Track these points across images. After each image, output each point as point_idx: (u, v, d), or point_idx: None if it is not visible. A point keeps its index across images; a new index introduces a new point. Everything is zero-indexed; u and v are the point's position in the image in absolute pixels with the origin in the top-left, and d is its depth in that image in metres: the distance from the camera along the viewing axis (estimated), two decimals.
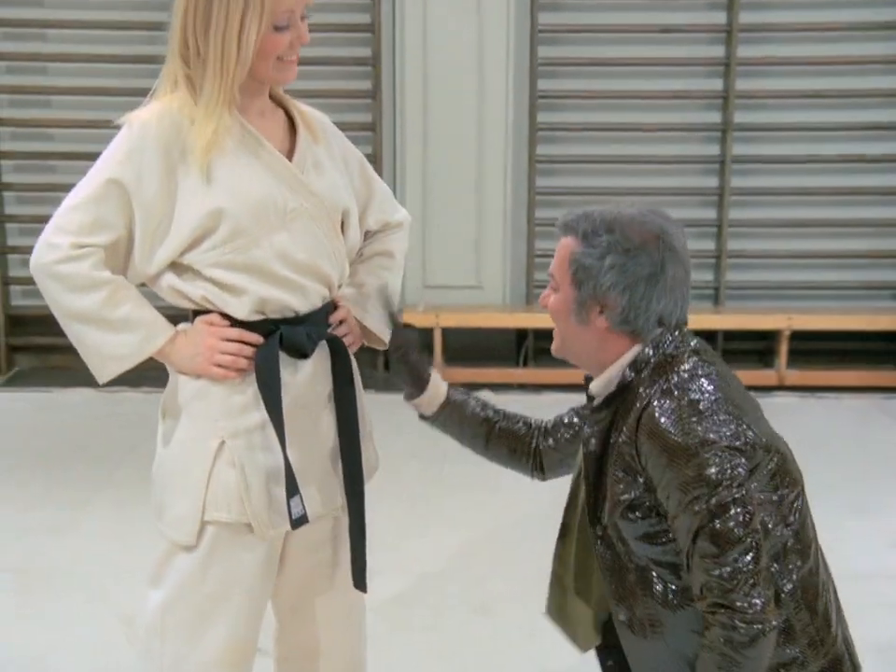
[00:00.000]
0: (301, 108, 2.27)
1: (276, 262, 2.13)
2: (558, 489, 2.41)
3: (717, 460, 1.93)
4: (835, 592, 2.17)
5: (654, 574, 2.07)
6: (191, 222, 2.08)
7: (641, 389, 2.06)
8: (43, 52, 5.98)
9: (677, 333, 2.10)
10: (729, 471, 1.93)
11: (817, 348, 5.85)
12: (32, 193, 6.07)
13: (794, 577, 2.05)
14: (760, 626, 1.91)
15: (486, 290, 6.06)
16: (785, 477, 2.04)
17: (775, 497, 2.02)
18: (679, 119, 5.98)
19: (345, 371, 2.29)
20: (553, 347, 2.23)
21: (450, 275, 6.02)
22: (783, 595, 2.03)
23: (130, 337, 2.13)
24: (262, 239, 2.11)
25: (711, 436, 1.94)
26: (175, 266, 2.14)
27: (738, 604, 1.92)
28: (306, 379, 2.23)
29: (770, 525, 2.00)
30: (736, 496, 1.92)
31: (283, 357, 2.19)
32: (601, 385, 2.15)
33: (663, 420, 1.97)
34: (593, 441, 2.15)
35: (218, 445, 2.17)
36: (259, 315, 2.16)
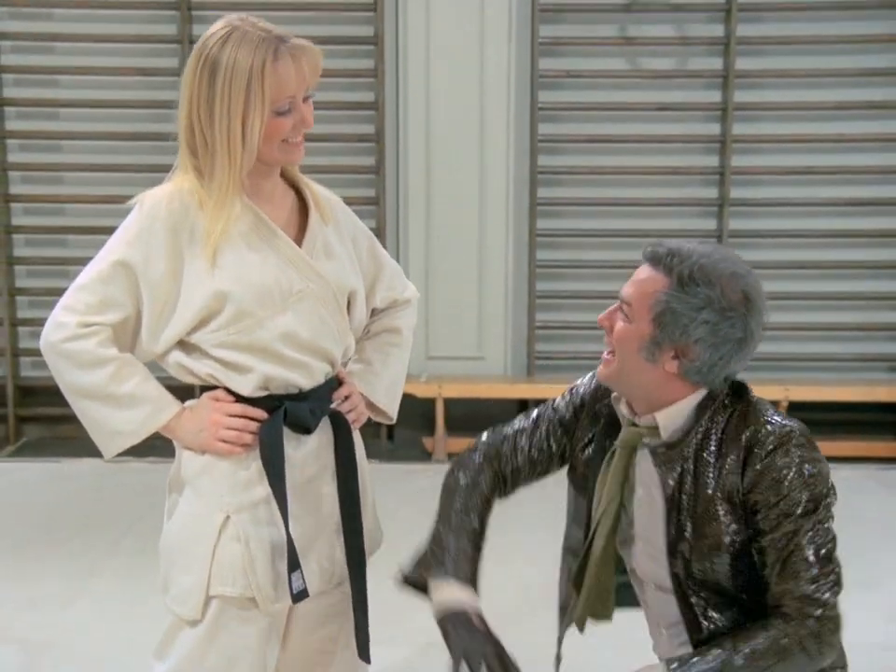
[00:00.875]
0: (313, 188, 2.29)
1: (280, 343, 2.14)
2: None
3: (813, 492, 2.00)
4: None
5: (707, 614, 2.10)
6: (197, 303, 2.10)
7: (729, 426, 2.06)
8: (56, 130, 6.06)
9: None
10: (820, 496, 2.01)
11: (814, 419, 5.78)
12: (43, 267, 6.10)
13: None
14: (834, 624, 2.00)
15: (488, 361, 6.06)
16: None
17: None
18: (677, 193, 6.03)
19: (347, 445, 2.30)
20: (603, 374, 2.14)
21: (452, 346, 6.03)
22: None
23: (135, 413, 2.14)
24: (267, 320, 2.13)
25: (811, 467, 2.01)
26: (182, 344, 2.15)
27: (810, 592, 1.99)
28: (310, 454, 2.24)
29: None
30: (825, 513, 2.02)
31: (286, 431, 2.19)
32: (668, 419, 2.09)
33: (774, 457, 2.00)
34: (670, 482, 2.09)
35: (223, 520, 2.17)
36: (264, 391, 2.17)
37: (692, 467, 2.06)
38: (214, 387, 2.18)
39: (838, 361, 6.05)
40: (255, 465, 2.17)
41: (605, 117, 5.94)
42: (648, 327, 2.04)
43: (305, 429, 2.21)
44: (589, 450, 2.25)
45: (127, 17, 5.91)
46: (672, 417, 2.09)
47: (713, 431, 2.06)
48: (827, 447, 4.43)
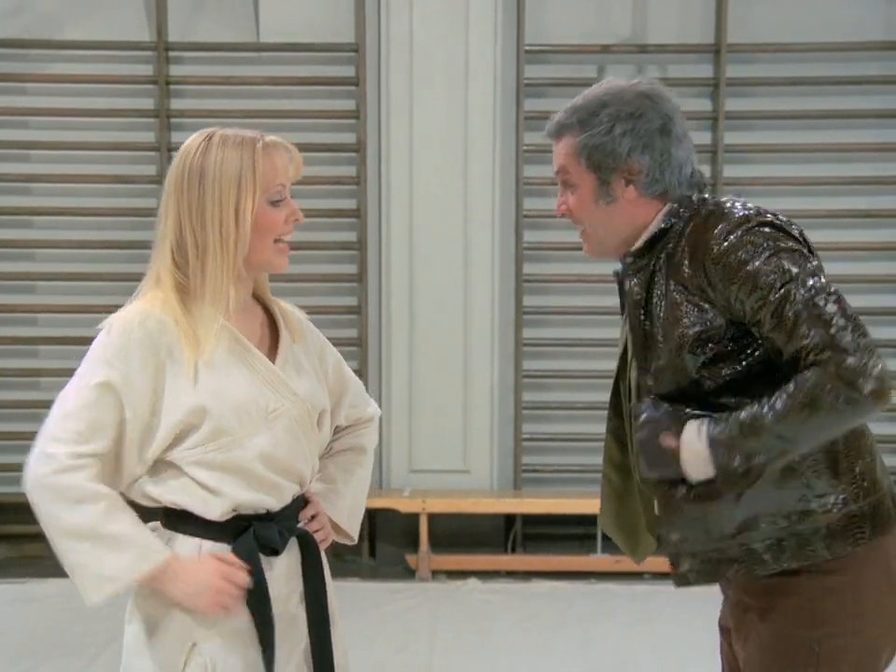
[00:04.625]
0: (282, 305, 2.34)
1: (258, 462, 2.13)
2: None
3: (788, 254, 2.05)
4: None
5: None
6: (176, 417, 2.08)
7: (691, 226, 2.13)
8: (29, 239, 6.08)
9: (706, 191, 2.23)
10: (801, 260, 2.05)
11: None
12: (11, 378, 6.07)
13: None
14: (863, 367, 1.94)
15: (473, 475, 6.01)
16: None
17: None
18: None
19: (316, 566, 2.26)
20: (588, 249, 2.30)
21: (436, 459, 5.99)
22: None
23: (121, 557, 2.08)
24: (245, 439, 2.12)
25: (782, 244, 2.06)
26: (153, 467, 2.12)
27: (833, 341, 1.95)
28: (279, 576, 2.20)
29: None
30: (812, 270, 2.05)
31: None
32: (642, 240, 2.20)
33: (733, 240, 2.05)
34: (636, 289, 2.20)
35: (190, 648, 2.11)
36: (232, 513, 2.14)
37: (660, 269, 2.16)
38: (175, 512, 2.14)
39: None
40: None
41: None
42: (588, 176, 2.19)
43: (274, 551, 2.18)
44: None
45: (105, 125, 5.97)
46: (646, 235, 2.20)
47: (679, 235, 2.15)
48: None
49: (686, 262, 2.10)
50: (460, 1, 5.79)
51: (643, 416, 2.14)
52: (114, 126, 5.98)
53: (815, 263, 2.08)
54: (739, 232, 2.06)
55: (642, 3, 5.93)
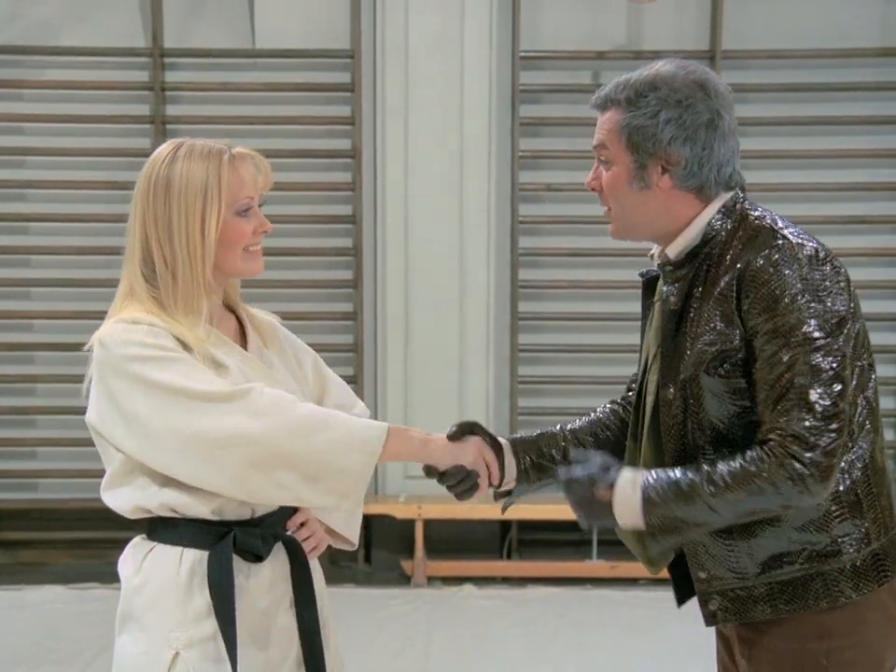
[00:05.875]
0: (251, 312, 2.33)
1: None
2: None
3: (820, 315, 1.96)
4: None
5: (711, 449, 2.09)
6: None
7: (735, 241, 2.07)
8: (25, 245, 6.09)
9: (745, 193, 2.16)
10: (829, 328, 1.96)
11: None
12: (7, 385, 6.07)
13: (866, 448, 2.07)
14: (811, 472, 1.92)
15: None
16: (866, 344, 2.08)
17: (858, 364, 2.04)
18: None
19: (304, 574, 2.25)
20: (613, 228, 2.23)
21: None
22: (854, 462, 2.06)
23: (363, 422, 2.13)
24: None
25: (822, 292, 1.97)
26: (141, 468, 2.11)
27: (803, 433, 1.92)
28: (262, 584, 2.18)
29: (853, 385, 2.02)
30: (833, 347, 1.95)
31: (238, 560, 2.14)
32: (680, 246, 2.15)
33: (773, 270, 1.98)
34: (672, 298, 2.14)
35: (172, 657, 2.10)
36: (217, 516, 2.13)
37: (700, 280, 2.11)
38: (161, 520, 2.14)
39: None
40: (204, 598, 2.11)
41: (584, 230, 5.99)
42: (626, 156, 2.13)
43: (257, 557, 2.17)
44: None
45: (101, 131, 5.98)
46: (684, 242, 2.14)
47: (722, 245, 2.10)
48: None
49: (726, 277, 2.05)
50: (455, 7, 5.81)
51: (574, 474, 2.13)
52: (110, 132, 5.99)
53: (842, 340, 1.98)
54: (792, 266, 1.99)
55: (637, 9, 5.94)
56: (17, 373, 6.02)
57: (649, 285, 2.32)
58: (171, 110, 5.99)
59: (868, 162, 5.99)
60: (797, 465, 1.92)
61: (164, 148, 2.18)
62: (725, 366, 2.05)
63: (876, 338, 5.76)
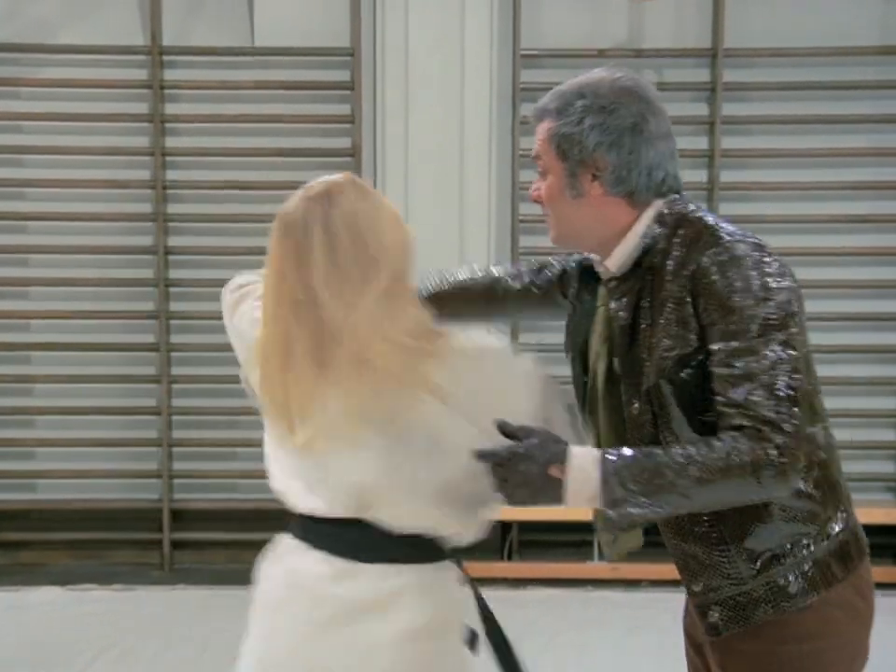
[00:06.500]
0: None
1: None
2: None
3: (772, 308, 1.99)
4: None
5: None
6: None
7: (676, 246, 2.08)
8: (24, 244, 6.08)
9: (681, 195, 2.17)
10: (782, 320, 1.99)
11: None
12: (3, 385, 6.06)
13: (820, 436, 2.08)
14: (787, 459, 1.92)
15: None
16: (806, 337, 2.10)
17: (804, 351, 2.06)
18: None
19: None
20: (553, 236, 2.27)
21: None
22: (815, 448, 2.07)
23: None
24: None
25: (770, 287, 2.00)
26: None
27: (774, 418, 1.93)
28: None
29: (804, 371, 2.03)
30: (789, 337, 1.98)
31: None
32: (620, 258, 2.17)
33: (721, 270, 2.00)
34: (621, 314, 2.15)
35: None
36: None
37: (644, 295, 2.12)
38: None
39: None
40: None
41: None
42: (558, 165, 2.17)
43: None
44: (573, 309, 2.38)
45: (99, 129, 5.96)
46: (624, 253, 2.16)
47: (661, 257, 2.10)
48: None
49: (677, 282, 2.06)
50: (456, 6, 5.79)
51: (521, 449, 2.03)
52: (108, 131, 5.97)
53: (795, 330, 2.01)
54: (738, 264, 2.01)
55: (638, 8, 5.93)
56: (14, 373, 6.01)
57: (586, 271, 2.36)
58: (170, 108, 5.97)
59: (871, 161, 5.97)
60: (772, 450, 1.92)
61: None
62: (686, 370, 2.05)
63: (879, 338, 5.77)
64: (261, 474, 2.27)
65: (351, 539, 2.14)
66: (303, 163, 5.80)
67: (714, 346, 2.00)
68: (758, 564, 2.10)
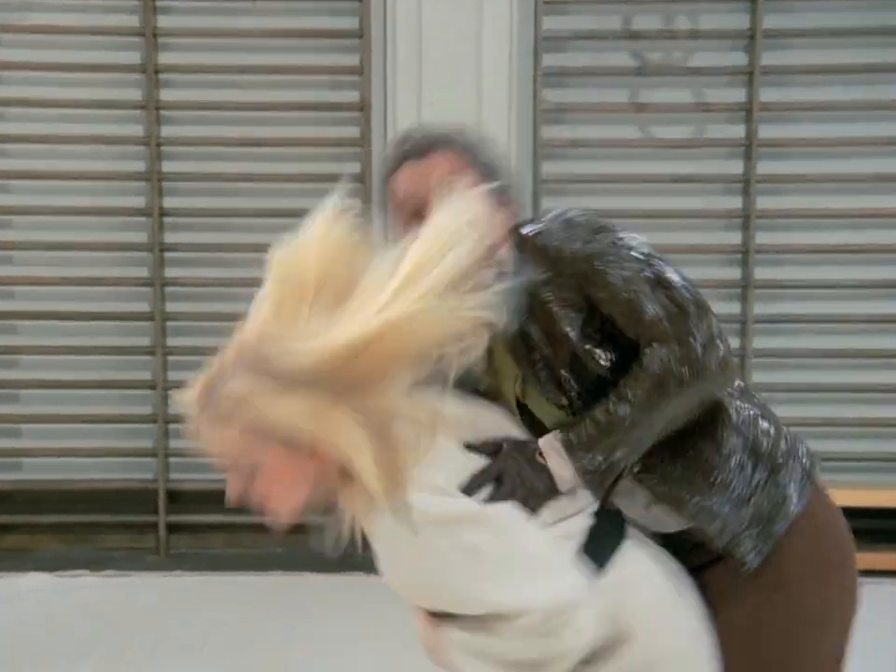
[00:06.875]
0: None
1: None
2: None
3: (629, 246, 2.35)
4: None
5: None
6: None
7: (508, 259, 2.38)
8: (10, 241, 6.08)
9: None
10: (645, 252, 2.37)
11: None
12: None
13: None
14: (703, 340, 2.15)
15: None
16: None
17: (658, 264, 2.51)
18: (694, 274, 6.00)
19: None
20: None
21: None
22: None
23: None
24: None
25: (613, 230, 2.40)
26: None
27: (697, 320, 2.18)
28: None
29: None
30: (660, 262, 2.37)
31: None
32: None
33: (556, 239, 2.31)
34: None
35: None
36: None
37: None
38: None
39: (875, 461, 5.99)
40: None
41: (613, 190, 5.96)
42: None
43: None
44: None
45: (87, 80, 5.94)
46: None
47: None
48: (864, 559, 4.53)
49: (542, 279, 2.31)
50: None
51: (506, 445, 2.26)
52: (96, 82, 5.92)
53: (660, 258, 2.36)
54: (569, 228, 2.34)
55: None
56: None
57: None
58: (164, 58, 5.93)
59: None
60: (696, 345, 2.13)
61: None
62: (588, 331, 2.24)
63: None
64: None
65: None
66: (308, 118, 5.77)
67: (600, 295, 2.22)
68: (755, 478, 2.35)
